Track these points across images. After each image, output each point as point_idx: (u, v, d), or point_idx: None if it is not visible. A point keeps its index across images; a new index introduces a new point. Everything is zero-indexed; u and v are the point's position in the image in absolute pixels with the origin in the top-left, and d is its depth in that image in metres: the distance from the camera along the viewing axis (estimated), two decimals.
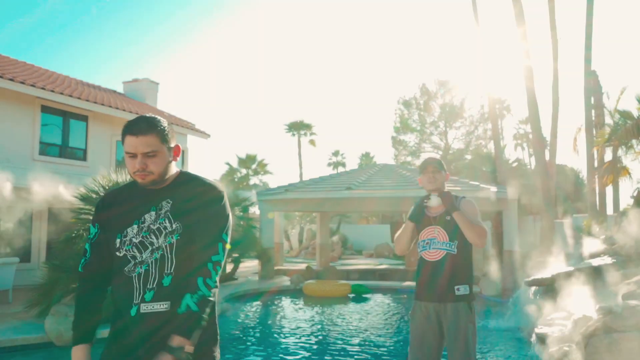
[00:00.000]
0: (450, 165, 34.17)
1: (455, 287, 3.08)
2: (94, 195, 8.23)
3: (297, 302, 11.44)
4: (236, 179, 29.31)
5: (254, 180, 29.11)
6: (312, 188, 13.05)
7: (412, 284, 14.10)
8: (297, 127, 38.67)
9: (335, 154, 43.27)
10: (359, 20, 67.09)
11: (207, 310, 1.79)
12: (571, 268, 7.13)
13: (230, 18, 66.30)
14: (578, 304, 6.08)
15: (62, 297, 7.51)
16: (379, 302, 11.32)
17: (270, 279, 14.14)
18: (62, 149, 13.64)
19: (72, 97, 13.01)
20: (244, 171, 29.74)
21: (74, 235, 8.09)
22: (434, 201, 3.20)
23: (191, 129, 17.71)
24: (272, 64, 72.03)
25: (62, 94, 12.73)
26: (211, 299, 1.81)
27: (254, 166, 29.67)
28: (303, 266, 16.89)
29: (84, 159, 14.16)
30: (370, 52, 67.40)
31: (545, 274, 7.42)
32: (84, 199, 8.25)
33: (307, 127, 39.05)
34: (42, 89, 12.19)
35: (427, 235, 3.20)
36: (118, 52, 67.03)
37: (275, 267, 17.20)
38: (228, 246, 1.93)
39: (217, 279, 1.89)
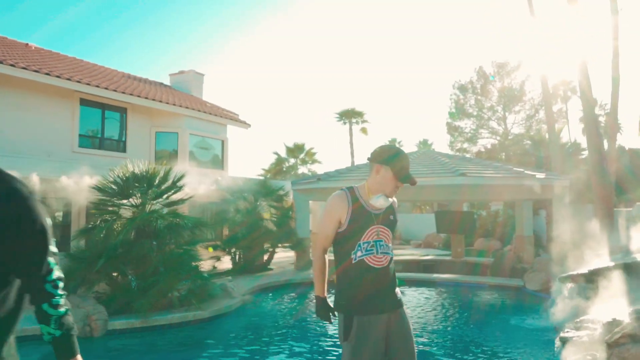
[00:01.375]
0: (509, 151, 32.58)
1: (397, 291, 2.79)
2: (113, 187, 8.23)
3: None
4: (284, 169, 29.27)
5: (302, 169, 28.98)
6: (345, 177, 12.60)
7: (451, 276, 13.54)
8: (349, 115, 38.10)
9: (392, 142, 42.36)
10: (411, 2, 65.24)
11: (69, 319, 1.62)
12: (611, 263, 6.33)
13: (278, 6, 66.37)
14: (612, 305, 5.34)
15: (78, 287, 7.56)
16: (410, 296, 10.77)
17: (306, 269, 13.87)
18: (101, 141, 13.94)
19: (108, 90, 13.22)
20: (292, 161, 29.66)
21: (90, 226, 8.13)
22: (382, 201, 2.68)
23: (231, 118, 17.68)
24: (322, 52, 71.57)
25: (98, 86, 12.95)
26: (63, 309, 1.61)
27: (302, 155, 29.51)
28: None
29: (124, 150, 14.42)
30: (424, 35, 65.43)
31: (582, 269, 6.64)
32: (101, 190, 8.25)
33: (359, 114, 38.39)
34: (78, 82, 12.44)
35: (371, 236, 2.67)
36: (169, 45, 68.89)
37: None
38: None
39: (62, 286, 1.59)
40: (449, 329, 7.99)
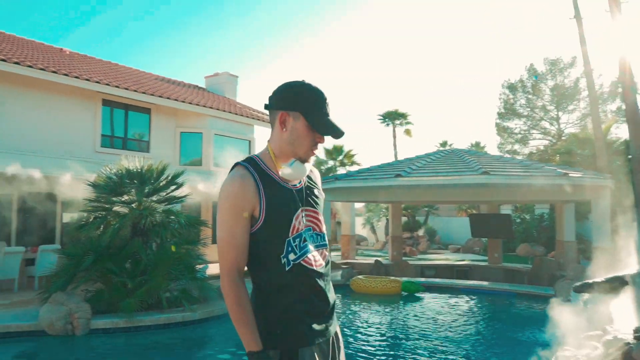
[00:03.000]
0: (560, 151, 30.71)
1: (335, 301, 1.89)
2: (102, 183, 8.09)
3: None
4: (323, 171, 28.84)
5: (341, 171, 28.45)
6: (362, 176, 12.04)
7: (477, 283, 12.63)
8: (392, 117, 37.28)
9: (443, 144, 41.06)
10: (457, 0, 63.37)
11: None
12: (631, 271, 5.47)
13: (320, 7, 66.25)
14: (620, 320, 4.56)
15: (66, 284, 7.43)
16: (429, 304, 10.04)
17: None
18: (124, 141, 14.04)
19: (129, 90, 13.29)
20: (330, 163, 29.19)
21: (82, 222, 8.02)
22: (297, 170, 1.73)
23: (258, 119, 17.49)
24: (363, 53, 70.83)
25: (118, 87, 13.04)
26: None
27: (340, 157, 28.97)
28: (379, 259, 15.93)
29: (147, 150, 14.47)
30: (471, 33, 63.34)
31: (598, 277, 5.81)
32: (95, 186, 8.14)
33: (403, 116, 37.48)
34: (97, 82, 12.56)
35: (300, 225, 1.72)
36: (214, 48, 70.23)
37: (344, 260, 16.48)
38: None
39: None
40: (434, 339, 7.28)
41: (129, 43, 61.97)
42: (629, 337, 3.91)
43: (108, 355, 6.65)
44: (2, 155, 8.86)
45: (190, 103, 14.93)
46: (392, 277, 11.30)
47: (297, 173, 1.71)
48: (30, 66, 11.20)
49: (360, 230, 26.66)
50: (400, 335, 7.56)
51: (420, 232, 24.09)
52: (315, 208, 1.79)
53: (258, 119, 17.57)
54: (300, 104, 1.68)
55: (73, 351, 6.66)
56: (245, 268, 1.69)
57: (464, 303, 10.23)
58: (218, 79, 20.80)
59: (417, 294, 10.64)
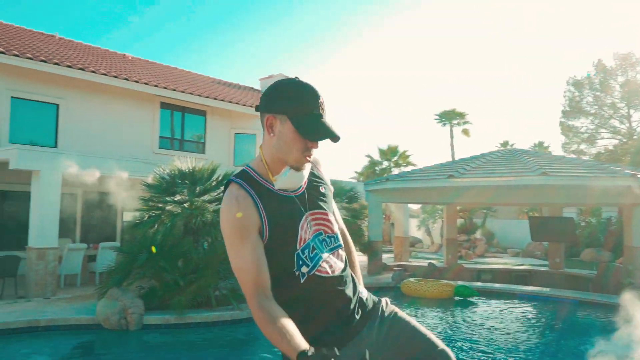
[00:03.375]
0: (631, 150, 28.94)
1: (361, 293, 1.73)
2: (156, 183, 8.36)
3: None
4: (377, 171, 28.59)
5: (396, 172, 28.13)
6: (414, 177, 11.80)
7: (541, 289, 12.02)
8: (449, 116, 36.48)
9: (504, 144, 39.75)
10: None
11: None
12: None
13: (371, 5, 65.64)
14: None
15: (122, 280, 7.72)
16: (483, 309, 9.69)
17: (377, 274, 13.25)
18: (181, 143, 14.49)
19: (185, 93, 13.70)
20: (385, 163, 28.90)
21: (137, 221, 8.31)
22: (292, 179, 1.58)
23: None
24: (419, 52, 69.53)
25: (175, 90, 13.47)
26: None
27: (395, 158, 28.62)
28: (433, 262, 15.61)
29: (203, 151, 14.87)
30: (532, 29, 60.74)
31: None
32: (149, 186, 8.42)
33: (460, 115, 36.61)
34: (156, 86, 13.03)
35: (307, 234, 1.60)
36: (267, 50, 71.16)
37: (397, 262, 16.25)
38: None
39: None
40: (483, 346, 6.97)
41: (195, 49, 64.09)
42: None
43: (159, 350, 6.86)
44: (68, 157, 9.35)
45: (244, 105, 15.20)
46: (445, 281, 10.99)
47: (293, 183, 1.57)
48: (93, 71, 11.77)
49: (415, 232, 26.20)
50: (446, 341, 7.33)
51: (478, 235, 23.37)
52: (323, 209, 1.64)
53: None
54: (286, 106, 1.50)
55: (126, 345, 6.90)
56: None
57: (520, 310, 9.79)
58: (273, 81, 21.10)
59: (470, 299, 10.29)
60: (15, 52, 10.62)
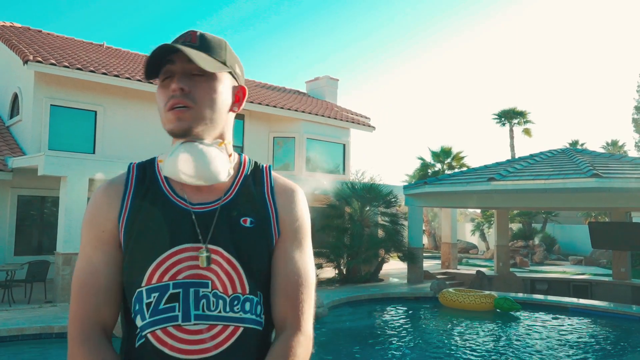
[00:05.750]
0: None
1: None
2: None
3: (419, 314, 9.77)
4: (429, 174, 27.60)
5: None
6: (453, 180, 11.03)
7: (597, 303, 10.81)
8: (509, 116, 34.71)
9: (574, 144, 37.50)
10: None
11: None
12: None
13: (421, 7, 63.87)
14: None
15: None
16: (524, 326, 8.83)
17: (419, 282, 12.58)
18: None
19: None
20: (438, 166, 27.81)
21: None
22: (192, 159, 1.02)
23: (352, 121, 17.08)
24: (478, 51, 66.92)
25: None
26: None
27: (448, 160, 27.47)
28: (482, 270, 14.73)
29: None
30: (599, 21, 56.90)
31: None
32: None
33: (521, 114, 34.70)
34: None
35: (174, 272, 1.02)
36: (318, 52, 70.88)
37: (444, 270, 15.45)
38: None
39: None
40: None
41: (252, 56, 65.23)
42: None
43: None
44: (104, 163, 9.44)
45: (281, 108, 14.96)
46: (487, 292, 10.17)
47: (181, 164, 1.01)
48: (128, 78, 11.90)
49: (469, 237, 25.05)
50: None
51: (536, 241, 21.95)
52: (233, 249, 1.02)
53: (354, 122, 17.17)
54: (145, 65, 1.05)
55: None
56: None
57: (569, 327, 8.84)
58: (318, 83, 20.86)
59: (512, 313, 9.44)
60: (53, 61, 10.89)
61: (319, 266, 12.72)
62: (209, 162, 1.02)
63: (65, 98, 11.61)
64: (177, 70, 1.03)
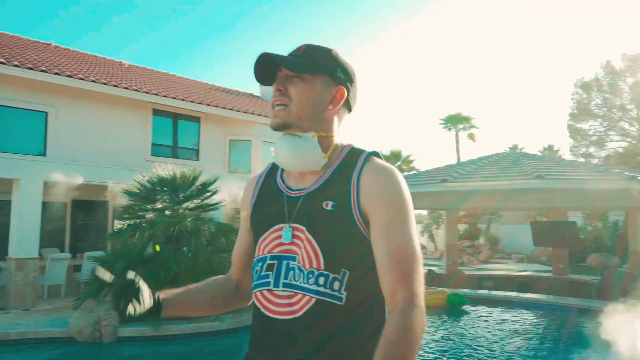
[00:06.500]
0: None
1: None
2: (136, 191, 8.17)
3: None
4: None
5: None
6: (407, 182, 11.47)
7: (539, 296, 11.61)
8: (455, 121, 36.12)
9: (513, 148, 39.28)
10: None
11: None
12: None
13: (375, 10, 65.48)
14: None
15: (98, 291, 7.51)
16: (474, 319, 9.34)
17: None
18: (174, 150, 14.32)
19: (177, 100, 13.55)
20: None
21: (117, 230, 8.11)
22: (285, 149, 1.26)
23: None
24: (422, 56, 69.18)
25: (166, 96, 13.33)
26: None
27: (398, 163, 28.34)
28: (433, 269, 15.27)
29: (197, 159, 14.69)
30: (539, 30, 60.20)
31: None
32: (129, 194, 8.22)
33: (466, 120, 36.24)
34: (147, 92, 12.89)
35: (271, 246, 1.25)
36: None
37: None
38: None
39: None
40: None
41: (201, 57, 64.40)
42: None
43: None
44: (58, 165, 9.23)
45: (238, 111, 15.02)
46: (439, 289, 10.65)
47: (277, 154, 1.28)
48: (82, 78, 11.65)
49: (419, 237, 25.86)
50: (422, 354, 7.01)
51: (482, 241, 22.95)
52: (311, 229, 1.19)
53: None
54: None
55: (98, 358, 6.69)
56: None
57: (515, 318, 9.42)
58: (271, 88, 20.95)
59: (463, 307, 9.94)
60: (2, 60, 10.52)
61: None
62: (298, 152, 1.23)
63: (14, 98, 11.22)
64: (280, 75, 1.26)
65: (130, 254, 7.68)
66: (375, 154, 1.28)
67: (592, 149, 33.73)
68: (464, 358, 6.73)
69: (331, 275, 1.15)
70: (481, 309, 9.96)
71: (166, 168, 8.47)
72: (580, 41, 57.61)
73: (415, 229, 1.18)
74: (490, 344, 7.38)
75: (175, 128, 14.34)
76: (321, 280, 1.15)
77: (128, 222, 8.18)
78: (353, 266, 1.16)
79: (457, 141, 36.09)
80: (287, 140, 1.26)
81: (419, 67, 70.14)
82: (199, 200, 8.67)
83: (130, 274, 1.22)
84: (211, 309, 1.42)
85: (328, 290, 1.15)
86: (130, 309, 1.19)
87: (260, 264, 1.24)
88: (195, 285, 1.38)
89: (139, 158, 13.34)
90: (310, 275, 1.16)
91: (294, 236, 1.20)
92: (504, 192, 10.08)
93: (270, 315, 1.20)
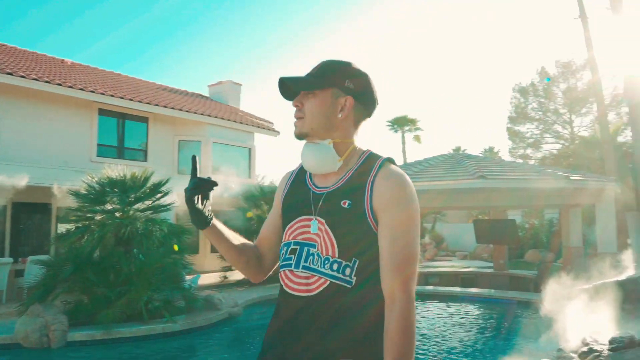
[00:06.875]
0: (576, 156, 30.09)
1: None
2: (84, 192, 8.00)
3: None
4: None
5: None
6: None
7: (481, 291, 12.23)
8: (401, 123, 37.02)
9: (457, 150, 40.60)
10: (465, 3, 62.91)
11: None
12: (617, 279, 5.17)
13: (321, 11, 66.32)
14: (602, 330, 4.27)
15: (45, 295, 7.31)
16: (423, 313, 9.73)
17: None
18: (121, 150, 14.01)
19: (124, 99, 13.28)
20: None
21: (64, 232, 7.91)
22: (306, 154, 1.48)
23: (258, 126, 17.38)
24: (370, 58, 70.63)
25: (113, 96, 13.03)
26: None
27: None
28: None
29: (145, 159, 14.43)
30: (481, 37, 62.78)
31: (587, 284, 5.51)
32: (77, 195, 8.04)
33: (412, 122, 37.24)
34: (92, 92, 12.56)
35: (296, 233, 1.46)
36: (218, 57, 70.64)
37: None
38: None
39: None
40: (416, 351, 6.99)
41: (147, 56, 62.78)
42: (605, 348, 3.62)
43: None
44: (1, 167, 8.87)
45: (187, 111, 14.87)
46: None
47: (304, 160, 1.49)
48: (23, 76, 11.23)
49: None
50: None
51: (427, 239, 23.70)
52: (330, 223, 1.39)
53: (258, 127, 17.47)
54: None
55: None
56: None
57: (460, 311, 9.89)
58: (222, 88, 20.78)
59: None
60: None
61: (228, 268, 12.85)
62: (315, 157, 1.44)
63: None
64: (298, 92, 1.47)
65: (79, 257, 7.51)
66: (390, 160, 1.48)
67: (529, 151, 35.47)
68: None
69: (344, 263, 1.35)
70: (429, 304, 10.38)
71: (116, 169, 8.32)
72: (519, 48, 60.44)
73: (417, 232, 1.37)
74: (437, 335, 7.74)
75: (122, 128, 14.03)
76: (335, 266, 1.36)
77: (76, 224, 7.98)
78: (362, 256, 1.36)
79: (404, 143, 37.04)
80: (307, 147, 1.47)
81: (365, 69, 71.24)
82: (150, 202, 8.58)
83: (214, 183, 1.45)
84: (237, 259, 1.57)
85: (340, 275, 1.35)
86: (197, 199, 1.42)
87: (285, 247, 1.46)
88: (235, 234, 1.57)
89: (84, 159, 12.98)
90: (327, 262, 1.36)
91: (318, 228, 1.40)
92: (449, 192, 10.53)
93: (290, 291, 1.41)
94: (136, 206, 8.32)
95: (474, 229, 15.67)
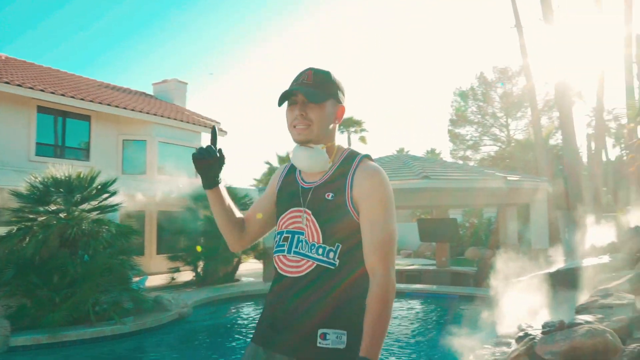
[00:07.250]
0: (514, 158, 31.62)
1: (320, 332, 1.53)
2: (26, 192, 7.73)
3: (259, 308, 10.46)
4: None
5: None
6: None
7: (424, 286, 12.75)
8: (347, 124, 37.51)
9: (400, 151, 41.61)
10: (408, 9, 64.72)
11: None
12: (548, 271, 5.62)
13: (268, 11, 66.37)
14: (537, 317, 4.64)
15: None
16: None
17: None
18: (61, 149, 13.54)
19: (65, 97, 12.84)
20: None
21: (4, 235, 7.61)
22: (302, 157, 1.64)
23: (205, 126, 17.21)
24: (313, 59, 71.28)
25: (54, 93, 12.58)
26: None
27: None
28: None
29: (87, 159, 13.99)
30: (424, 41, 64.75)
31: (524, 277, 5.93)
32: (18, 196, 7.75)
33: (357, 123, 37.77)
34: (31, 88, 12.07)
35: (287, 223, 1.66)
36: (162, 56, 69.16)
37: None
38: None
39: None
40: None
41: (90, 54, 60.29)
42: (538, 332, 3.95)
43: None
44: None
45: (132, 110, 14.55)
46: None
47: (296, 161, 1.66)
48: None
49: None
50: None
51: None
52: (315, 213, 1.59)
53: (205, 126, 17.30)
54: None
55: None
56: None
57: (406, 307, 10.29)
58: (167, 86, 20.32)
59: None
60: None
61: (176, 270, 12.69)
62: (311, 160, 1.63)
63: None
64: (299, 101, 1.62)
65: (21, 259, 7.26)
66: (368, 156, 1.68)
67: (468, 152, 36.92)
68: None
69: (327, 248, 1.56)
70: None
71: (61, 168, 8.08)
72: (460, 54, 62.72)
73: (393, 218, 1.57)
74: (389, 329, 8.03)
75: (63, 126, 13.55)
76: (320, 251, 1.56)
77: (17, 225, 7.69)
78: (344, 241, 1.56)
79: (350, 144, 37.58)
80: (302, 150, 1.63)
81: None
82: (97, 202, 8.39)
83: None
84: (226, 224, 1.76)
85: (325, 258, 1.56)
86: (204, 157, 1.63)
87: (279, 235, 1.67)
88: (231, 202, 1.77)
89: (22, 158, 12.46)
90: (313, 247, 1.57)
91: (306, 218, 1.61)
92: (395, 192, 10.78)
93: (283, 273, 1.63)
94: (82, 206, 8.11)
95: (418, 228, 16.19)
